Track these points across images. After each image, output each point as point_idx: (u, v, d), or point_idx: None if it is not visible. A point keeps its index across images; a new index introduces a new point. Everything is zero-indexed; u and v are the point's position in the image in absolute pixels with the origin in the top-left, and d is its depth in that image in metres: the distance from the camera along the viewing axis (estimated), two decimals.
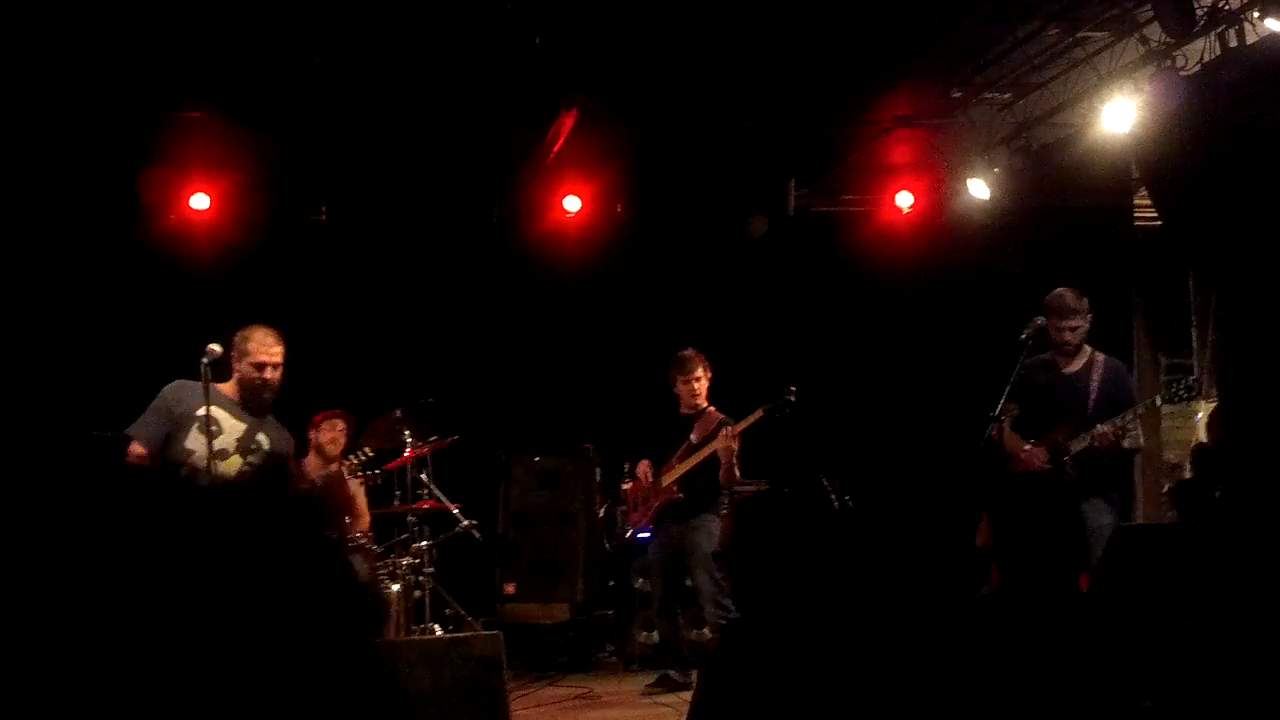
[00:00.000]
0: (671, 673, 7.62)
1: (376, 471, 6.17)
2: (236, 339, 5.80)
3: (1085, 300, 6.56)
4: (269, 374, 5.78)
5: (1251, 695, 3.00)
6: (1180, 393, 6.50)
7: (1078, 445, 6.37)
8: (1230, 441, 3.41)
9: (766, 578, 2.68)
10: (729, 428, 7.36)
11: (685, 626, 7.95)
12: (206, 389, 5.62)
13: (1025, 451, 6.47)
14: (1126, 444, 6.47)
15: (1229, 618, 3.24)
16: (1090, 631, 2.82)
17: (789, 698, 2.44)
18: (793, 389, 7.28)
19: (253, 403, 5.78)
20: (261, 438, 5.85)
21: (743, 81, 7.87)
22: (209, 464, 5.60)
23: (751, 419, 7.34)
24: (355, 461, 6.17)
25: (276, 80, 7.52)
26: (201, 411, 5.70)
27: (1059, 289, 6.61)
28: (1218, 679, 3.07)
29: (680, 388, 7.72)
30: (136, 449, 5.74)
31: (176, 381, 5.82)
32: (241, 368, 5.77)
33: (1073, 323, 6.52)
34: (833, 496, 7.32)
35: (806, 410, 7.36)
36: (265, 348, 5.78)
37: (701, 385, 7.69)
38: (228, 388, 5.82)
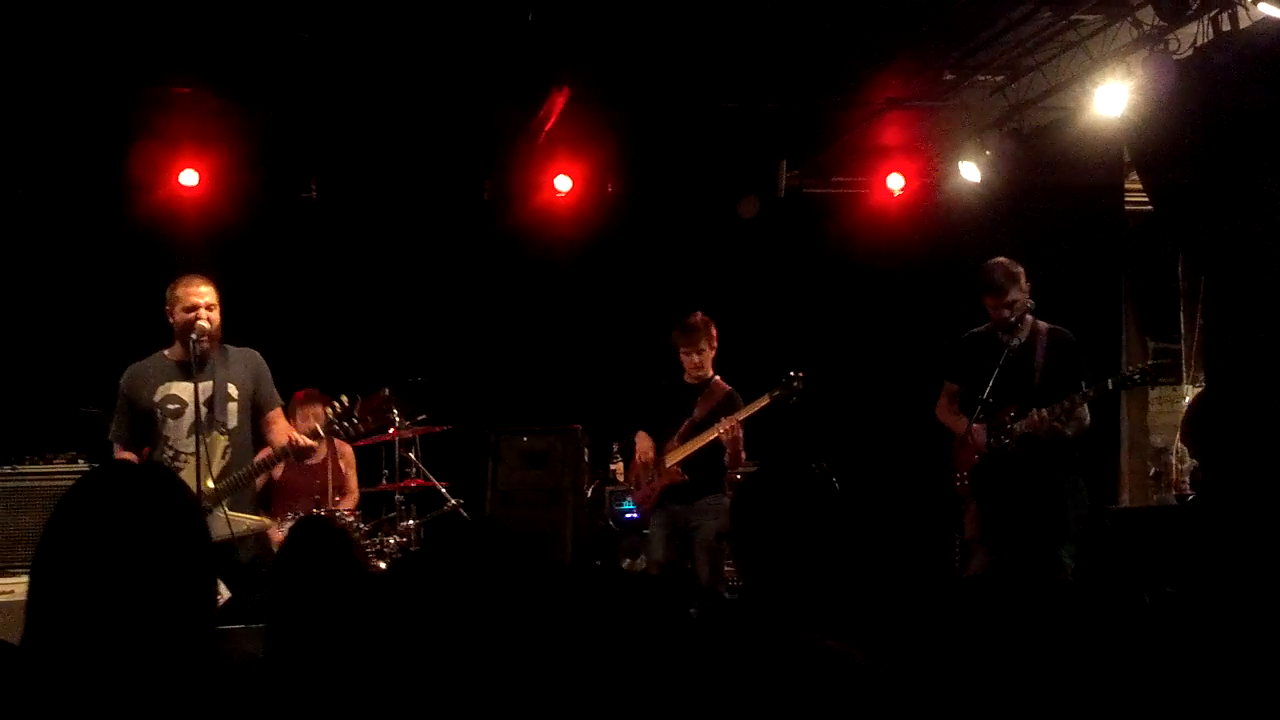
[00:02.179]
0: None
1: (355, 421, 5.97)
2: (167, 293, 5.79)
3: (1020, 270, 6.29)
4: (202, 313, 5.71)
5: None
6: (1136, 377, 6.30)
7: (1021, 427, 6.18)
8: (1217, 425, 3.41)
9: (768, 555, 2.68)
10: (730, 419, 7.02)
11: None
12: (196, 369, 5.63)
13: (972, 432, 6.29)
14: (1070, 432, 6.19)
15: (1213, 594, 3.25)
16: (1078, 612, 2.83)
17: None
18: (800, 374, 6.99)
19: (197, 350, 5.68)
20: (230, 388, 5.82)
21: (734, 62, 7.83)
22: (190, 444, 5.61)
23: (756, 406, 7.05)
24: (332, 415, 5.97)
25: (267, 56, 7.47)
26: (159, 395, 5.72)
27: (990, 261, 6.38)
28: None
29: (683, 357, 7.29)
30: (118, 453, 5.77)
31: (128, 370, 5.84)
32: (176, 316, 5.73)
33: (1009, 297, 6.24)
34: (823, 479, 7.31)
35: (799, 393, 7.07)
36: (193, 288, 5.75)
37: (705, 358, 7.24)
38: (173, 352, 5.80)
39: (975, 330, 6.51)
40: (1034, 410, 6.14)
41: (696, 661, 1.90)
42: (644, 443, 7.41)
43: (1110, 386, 6.41)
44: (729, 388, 7.27)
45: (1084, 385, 6.20)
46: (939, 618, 2.76)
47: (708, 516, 7.11)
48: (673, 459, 7.21)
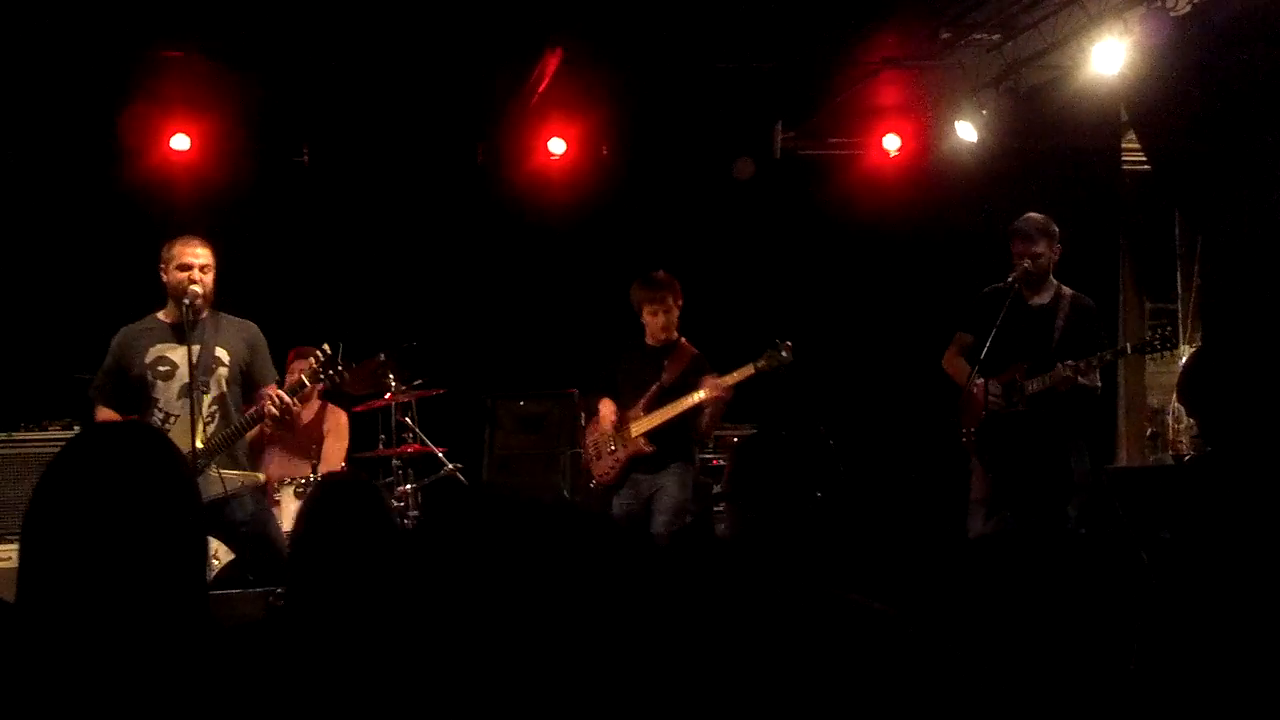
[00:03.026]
0: None
1: (340, 369, 5.85)
2: (162, 251, 5.77)
3: (1054, 229, 6.30)
4: (196, 274, 5.70)
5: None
6: (1156, 343, 6.29)
7: (1035, 385, 6.16)
8: (1214, 383, 3.40)
9: (768, 519, 2.68)
10: (718, 379, 6.56)
11: None
12: (189, 331, 5.60)
13: (977, 385, 6.23)
14: (1083, 380, 6.16)
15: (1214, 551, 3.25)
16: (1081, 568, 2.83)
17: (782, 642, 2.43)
18: (788, 343, 6.55)
19: (190, 313, 5.64)
20: (220, 352, 5.79)
21: (729, 22, 7.78)
22: (181, 405, 5.60)
23: (740, 375, 6.59)
24: (315, 364, 5.87)
25: (259, 20, 7.41)
26: (150, 357, 5.70)
27: (1029, 213, 6.37)
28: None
29: (647, 317, 6.81)
30: (99, 411, 5.76)
31: (121, 330, 5.82)
32: (170, 275, 5.72)
33: (1035, 248, 6.24)
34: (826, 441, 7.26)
35: (787, 364, 6.67)
36: (189, 249, 5.74)
37: (673, 316, 6.76)
38: (166, 314, 5.78)
39: (996, 285, 6.42)
40: (1059, 365, 6.09)
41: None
42: (606, 408, 6.88)
43: (1130, 351, 6.50)
44: (696, 350, 6.86)
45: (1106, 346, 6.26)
46: (945, 579, 2.76)
47: (672, 479, 6.71)
48: (639, 429, 6.73)
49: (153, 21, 7.36)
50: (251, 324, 6.01)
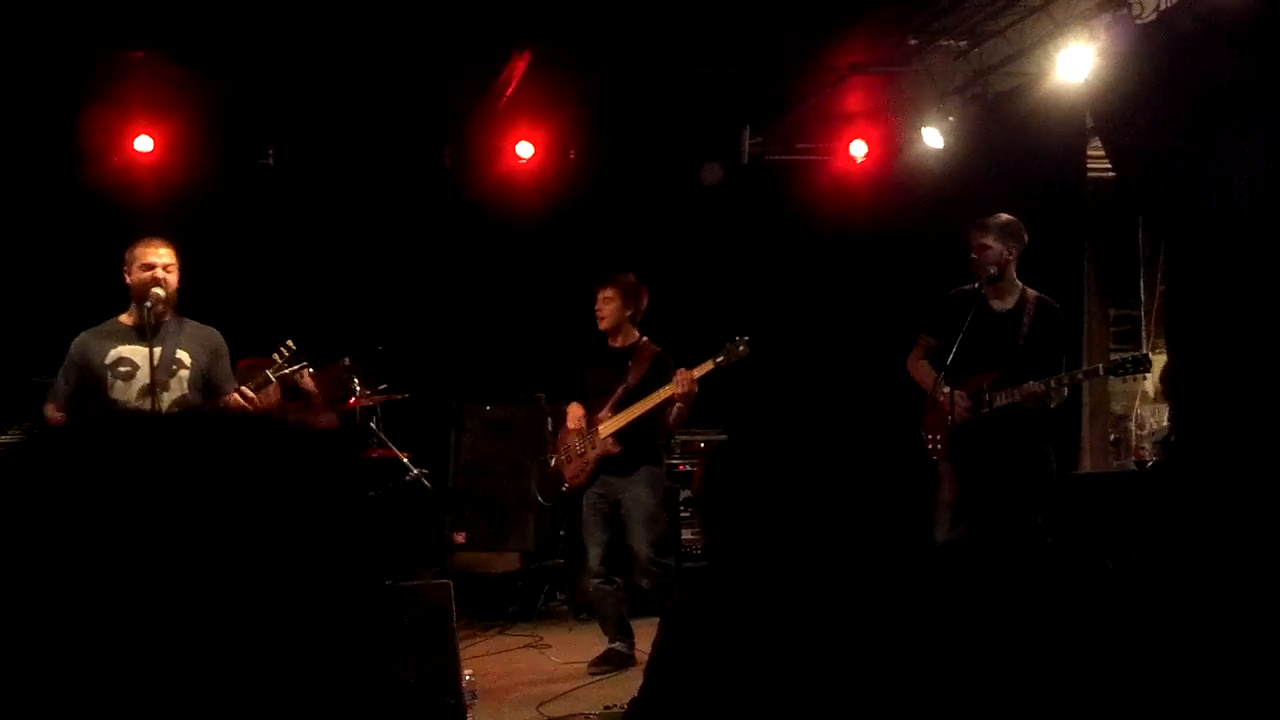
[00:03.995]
0: (617, 645, 6.87)
1: (305, 365, 5.90)
2: (125, 253, 5.73)
3: (1014, 230, 6.22)
4: (159, 274, 5.67)
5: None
6: (1128, 365, 6.15)
7: (1003, 399, 6.08)
8: (1178, 390, 3.42)
9: (738, 525, 2.66)
10: (685, 371, 6.64)
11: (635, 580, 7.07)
12: (151, 334, 5.55)
13: (944, 395, 6.13)
14: (1053, 404, 6.12)
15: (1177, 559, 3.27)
16: (1047, 576, 2.83)
17: (753, 646, 2.42)
18: (746, 338, 6.62)
19: (151, 315, 5.62)
20: (181, 354, 5.75)
21: (698, 27, 7.78)
22: (141, 404, 5.53)
23: (705, 368, 6.66)
24: (280, 360, 5.86)
25: (223, 21, 7.36)
26: (111, 358, 5.64)
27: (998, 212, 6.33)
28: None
29: (597, 306, 7.03)
30: (52, 413, 5.70)
31: (79, 335, 5.77)
32: (133, 276, 5.67)
33: (984, 240, 6.18)
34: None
35: (757, 359, 6.81)
36: (152, 249, 5.71)
37: (615, 308, 6.93)
38: (128, 316, 5.74)
39: (962, 288, 6.38)
40: (1030, 382, 6.01)
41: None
42: (575, 411, 7.06)
43: (1101, 372, 6.46)
44: (658, 348, 7.00)
45: (1081, 365, 6.25)
46: (915, 584, 2.75)
47: (642, 486, 6.86)
48: (608, 429, 6.88)
49: (116, 22, 7.29)
50: (215, 331, 5.96)
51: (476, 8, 7.20)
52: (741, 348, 6.63)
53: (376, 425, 7.78)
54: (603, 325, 7.02)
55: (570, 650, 7.40)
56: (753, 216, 10.04)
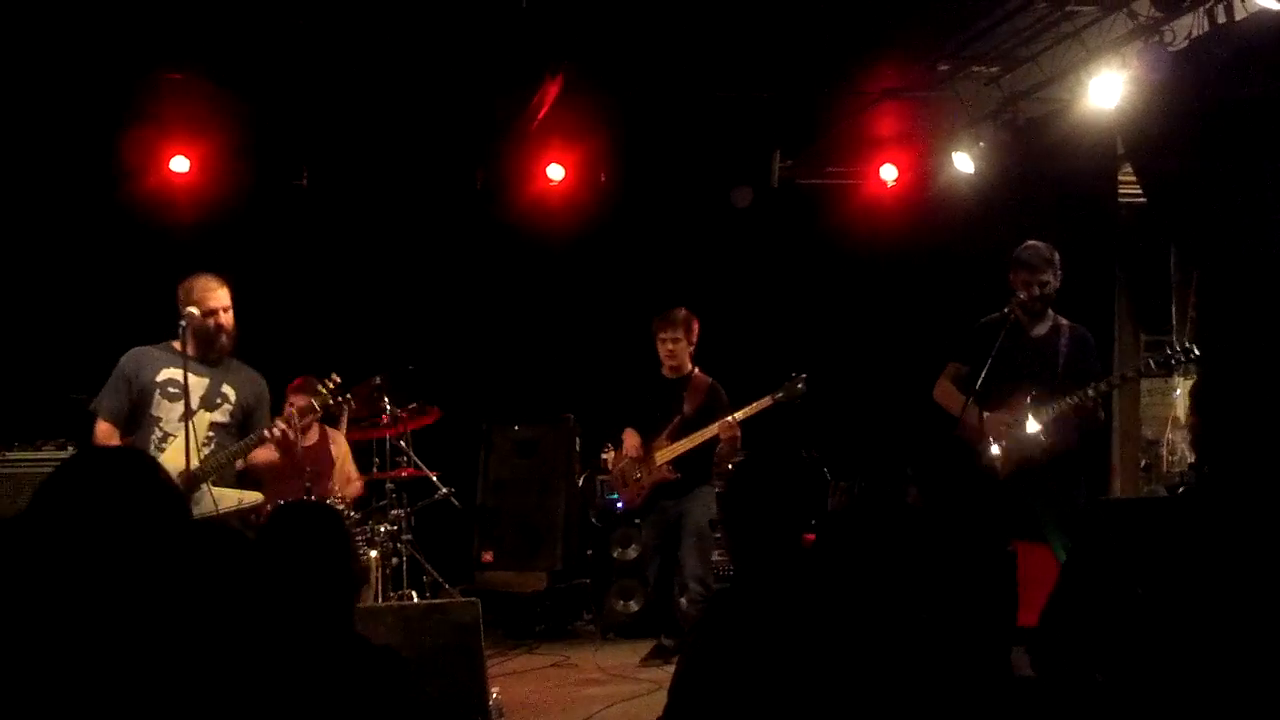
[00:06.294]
0: (664, 640, 7.44)
1: (348, 396, 6.09)
2: (180, 292, 5.76)
3: (1057, 257, 6.25)
4: (221, 318, 5.76)
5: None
6: (1161, 361, 6.13)
7: (1048, 414, 6.06)
8: (1211, 417, 3.41)
9: (760, 543, 2.68)
10: (729, 418, 7.10)
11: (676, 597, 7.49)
12: (185, 354, 5.60)
13: (985, 419, 6.10)
14: (1101, 416, 6.20)
15: (1205, 591, 3.25)
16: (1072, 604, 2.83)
17: (774, 667, 2.44)
18: (804, 375, 7.08)
19: (210, 353, 5.76)
20: (227, 389, 5.84)
21: (729, 51, 7.82)
22: (181, 426, 5.58)
23: (758, 406, 7.12)
24: (324, 391, 6.00)
25: (260, 43, 7.44)
26: (163, 377, 5.70)
27: (1030, 241, 6.30)
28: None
29: (659, 346, 7.45)
30: (103, 426, 5.74)
31: (133, 350, 5.83)
32: (194, 321, 5.71)
33: (1043, 276, 6.17)
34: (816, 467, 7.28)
35: (802, 395, 7.18)
36: (211, 293, 5.76)
37: (680, 348, 7.39)
38: (182, 345, 5.80)
39: (992, 316, 6.34)
40: (1083, 390, 6.01)
41: None
42: (632, 439, 7.47)
43: (1129, 376, 6.51)
44: (710, 379, 7.42)
45: (1113, 375, 6.33)
46: (931, 605, 2.76)
47: (696, 503, 7.29)
48: (664, 457, 7.34)
49: (155, 44, 7.39)
50: (261, 378, 6.08)
51: (510, 32, 7.25)
52: (800, 385, 7.10)
53: (406, 445, 7.81)
54: (674, 364, 7.45)
55: (597, 670, 7.42)
56: (783, 240, 10.06)
